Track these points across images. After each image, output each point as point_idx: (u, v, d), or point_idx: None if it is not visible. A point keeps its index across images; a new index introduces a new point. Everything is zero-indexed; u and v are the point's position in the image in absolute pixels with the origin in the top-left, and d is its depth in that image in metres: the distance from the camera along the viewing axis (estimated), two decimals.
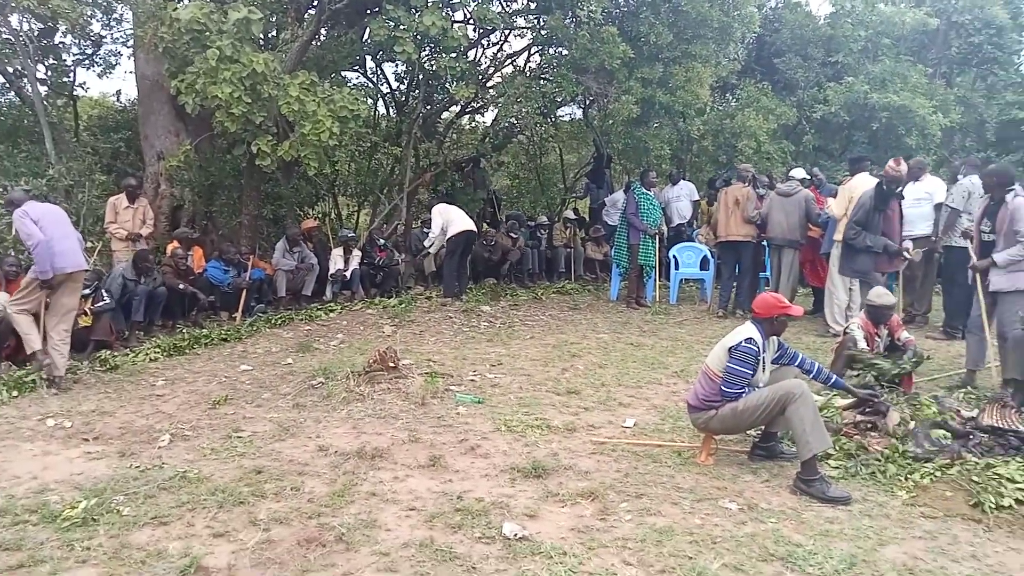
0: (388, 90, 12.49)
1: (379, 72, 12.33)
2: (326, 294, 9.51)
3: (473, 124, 14.14)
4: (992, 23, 14.90)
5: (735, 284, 9.12)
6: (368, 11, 9.37)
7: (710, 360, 4.31)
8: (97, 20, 11.44)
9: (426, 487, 3.92)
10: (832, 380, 4.51)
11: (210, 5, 7.42)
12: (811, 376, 4.43)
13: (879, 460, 4.14)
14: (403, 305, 9.04)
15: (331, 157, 8.50)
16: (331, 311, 8.85)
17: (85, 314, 6.66)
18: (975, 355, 5.82)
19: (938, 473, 3.92)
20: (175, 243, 8.48)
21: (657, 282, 10.16)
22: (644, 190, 9.64)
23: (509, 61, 11.89)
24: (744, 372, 4.11)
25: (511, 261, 11.04)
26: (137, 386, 5.96)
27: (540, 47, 11.35)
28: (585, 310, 9.56)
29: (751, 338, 4.14)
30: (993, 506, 3.56)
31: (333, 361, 6.52)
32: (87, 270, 6.27)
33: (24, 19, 10.01)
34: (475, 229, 9.73)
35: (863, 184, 7.58)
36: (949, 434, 4.35)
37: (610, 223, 11.87)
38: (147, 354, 6.79)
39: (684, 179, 12.24)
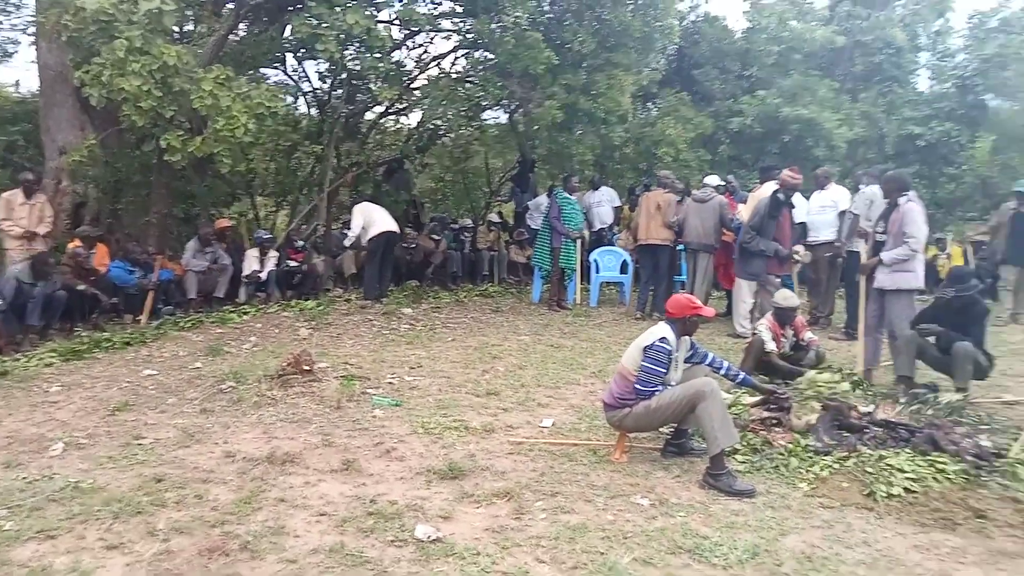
0: (310, 88, 12.23)
1: (300, 70, 12.07)
2: (240, 296, 9.20)
3: (397, 125, 14.00)
4: (892, 44, 15.83)
5: (652, 287, 9.33)
6: (290, 7, 9.13)
7: (625, 359, 4.38)
8: None
9: (338, 491, 3.83)
10: (740, 378, 4.67)
11: None
12: (721, 374, 4.57)
13: (783, 454, 4.31)
14: (321, 307, 8.84)
15: (247, 155, 8.25)
16: (245, 314, 8.56)
17: None
18: (871, 354, 6.14)
19: (836, 465, 4.11)
20: (76, 241, 8.03)
21: (578, 285, 10.29)
22: (567, 195, 9.76)
23: (434, 63, 11.84)
24: (657, 371, 4.20)
25: (434, 264, 10.97)
26: (28, 393, 5.59)
27: (466, 50, 11.34)
28: (507, 312, 9.59)
29: (664, 337, 4.24)
30: (884, 494, 3.76)
31: (245, 365, 6.31)
32: None
33: None
34: (397, 230, 9.62)
35: (771, 192, 7.91)
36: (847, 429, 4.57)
37: (533, 227, 11.95)
38: (41, 359, 6.40)
39: (606, 185, 12.46)
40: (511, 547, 3.24)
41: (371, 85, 10.72)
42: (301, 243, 10.03)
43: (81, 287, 7.48)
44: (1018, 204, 9.28)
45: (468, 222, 12.61)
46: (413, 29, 10.62)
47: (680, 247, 9.22)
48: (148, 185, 9.33)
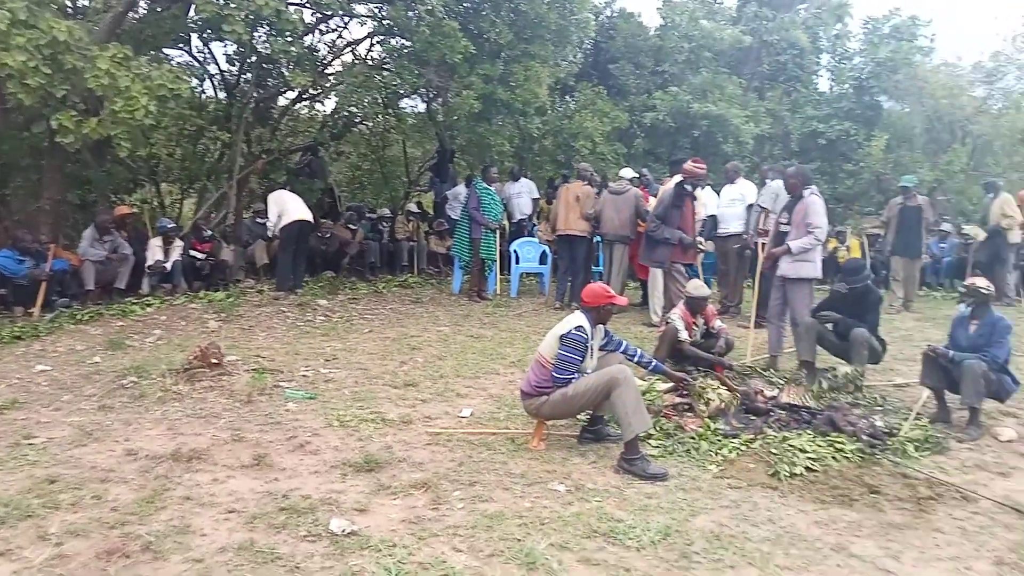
0: (217, 71, 11.72)
1: (207, 52, 11.54)
2: (143, 287, 8.75)
3: (312, 112, 13.61)
4: (796, 45, 16.58)
5: (571, 278, 9.45)
6: None
7: (542, 348, 4.41)
8: None
9: (249, 487, 3.70)
10: (653, 365, 4.79)
11: None
12: (635, 362, 4.67)
13: (694, 439, 4.45)
14: (231, 299, 8.51)
15: (148, 139, 7.83)
16: (148, 306, 8.14)
17: None
18: (775, 342, 6.43)
19: (743, 448, 4.28)
20: None
21: (498, 276, 10.32)
22: (485, 185, 9.75)
23: (349, 49, 11.58)
24: (574, 358, 4.25)
25: (350, 254, 10.76)
26: None
27: (381, 37, 11.13)
28: (427, 303, 9.51)
29: (580, 326, 4.29)
30: (788, 474, 3.95)
31: (149, 359, 6.01)
32: None
33: None
34: (311, 219, 9.37)
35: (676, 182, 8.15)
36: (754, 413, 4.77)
37: (453, 217, 11.89)
38: None
39: (525, 176, 12.52)
40: (428, 537, 3.21)
41: (282, 70, 10.39)
42: (209, 233, 9.62)
43: None
44: (904, 199, 9.89)
45: (387, 212, 12.41)
46: (326, 13, 10.33)
47: (597, 238, 9.37)
48: (39, 169, 8.72)
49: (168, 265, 8.83)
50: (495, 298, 9.88)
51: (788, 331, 6.31)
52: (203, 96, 11.67)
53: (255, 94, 10.65)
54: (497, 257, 10.02)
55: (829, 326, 5.82)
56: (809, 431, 4.45)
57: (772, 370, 6.21)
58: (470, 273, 9.95)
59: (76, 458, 4.01)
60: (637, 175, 10.06)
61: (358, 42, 11.58)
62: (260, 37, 9.60)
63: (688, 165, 7.87)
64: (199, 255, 9.18)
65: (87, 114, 7.45)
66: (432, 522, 3.37)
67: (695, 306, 6.08)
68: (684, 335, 5.88)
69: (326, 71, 11.14)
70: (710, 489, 3.84)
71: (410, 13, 9.86)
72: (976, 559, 3.18)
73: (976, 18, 33.01)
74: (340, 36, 11.65)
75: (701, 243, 8.36)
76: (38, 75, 6.64)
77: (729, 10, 17.20)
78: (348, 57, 11.47)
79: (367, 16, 10.99)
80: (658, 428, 4.57)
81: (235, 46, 10.39)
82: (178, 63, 10.72)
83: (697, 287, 6.17)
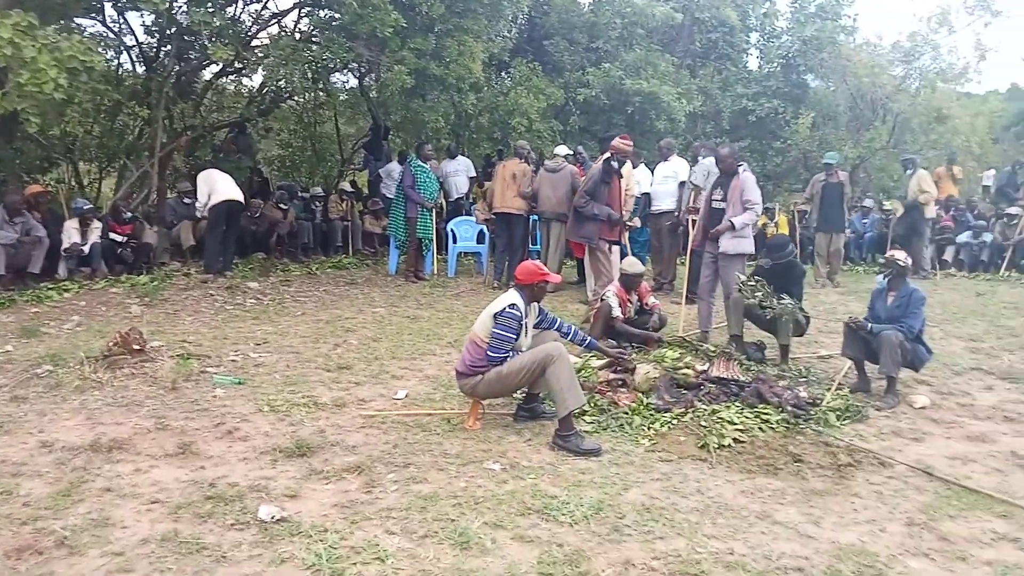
0: (134, 43, 11.13)
1: (122, 22, 10.93)
2: (59, 271, 8.32)
3: (237, 86, 13.11)
4: (726, 23, 16.83)
5: (508, 257, 9.43)
6: None
7: (476, 327, 4.39)
8: None
9: (173, 477, 3.57)
10: (587, 342, 4.83)
11: None
12: (568, 339, 4.70)
13: (627, 414, 4.52)
14: (155, 283, 8.20)
15: (62, 114, 7.40)
16: (66, 291, 7.76)
17: None
18: (705, 317, 6.57)
19: (675, 421, 4.37)
20: None
21: (435, 256, 10.22)
22: (420, 162, 9.59)
23: (274, 21, 11.14)
24: (508, 336, 4.25)
25: (279, 233, 10.47)
26: None
27: (308, 8, 10.77)
28: (362, 285, 9.36)
29: (514, 304, 4.28)
30: (716, 445, 4.05)
31: (66, 346, 5.74)
32: None
33: None
34: (241, 199, 9.06)
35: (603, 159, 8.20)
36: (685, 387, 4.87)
37: (388, 196, 11.69)
38: None
39: (462, 154, 12.39)
40: (361, 521, 3.17)
41: (204, 42, 9.93)
42: (131, 214, 9.19)
43: None
44: (827, 175, 10.23)
45: (319, 191, 12.11)
46: None
47: (534, 217, 9.37)
48: None
49: (86, 248, 8.41)
50: (432, 278, 9.80)
51: (718, 307, 6.46)
52: (120, 70, 11.08)
53: (176, 67, 10.18)
54: (434, 236, 9.91)
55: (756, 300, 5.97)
56: (737, 403, 4.58)
57: (704, 344, 6.35)
58: (406, 253, 9.82)
59: None
60: (572, 152, 10.07)
61: (284, 13, 11.15)
62: (180, 7, 9.14)
63: (616, 142, 7.92)
64: (119, 237, 8.76)
65: None
66: (365, 505, 3.33)
67: (630, 283, 6.15)
68: (617, 312, 5.95)
69: (251, 44, 10.71)
70: (642, 463, 3.91)
71: None
72: (890, 521, 3.34)
73: None
74: (265, 7, 11.20)
75: (629, 221, 8.43)
76: None
77: None
78: (274, 29, 11.06)
79: None
80: (592, 404, 4.62)
81: (153, 16, 9.88)
82: (91, 34, 10.15)
83: (631, 264, 6.25)
